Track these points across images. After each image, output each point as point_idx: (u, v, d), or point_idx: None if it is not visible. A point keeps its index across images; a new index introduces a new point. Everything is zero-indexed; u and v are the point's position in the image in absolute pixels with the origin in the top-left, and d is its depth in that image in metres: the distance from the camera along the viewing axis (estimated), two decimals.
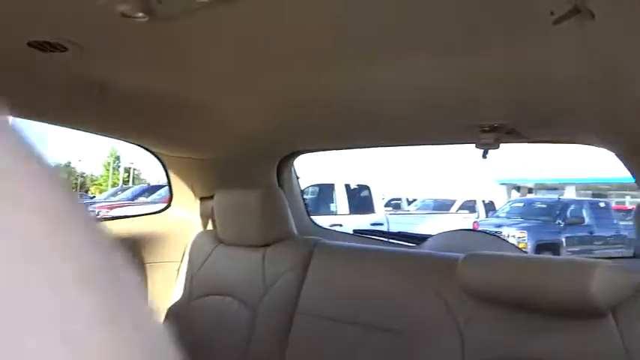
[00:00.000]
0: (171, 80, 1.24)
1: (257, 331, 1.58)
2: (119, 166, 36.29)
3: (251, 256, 1.69)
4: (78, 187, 33.47)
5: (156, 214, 2.05)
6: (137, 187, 14.69)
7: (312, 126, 1.62)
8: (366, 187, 6.99)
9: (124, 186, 23.00)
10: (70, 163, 41.55)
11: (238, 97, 1.37)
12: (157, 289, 1.87)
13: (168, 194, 2.10)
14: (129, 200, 11.19)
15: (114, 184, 31.28)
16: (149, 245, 1.89)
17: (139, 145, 1.87)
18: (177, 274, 1.90)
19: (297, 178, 2.15)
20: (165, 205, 2.08)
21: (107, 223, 1.96)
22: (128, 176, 35.40)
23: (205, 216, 2.00)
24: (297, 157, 2.07)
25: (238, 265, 1.71)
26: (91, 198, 16.98)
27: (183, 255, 1.91)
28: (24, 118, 1.39)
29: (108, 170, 36.32)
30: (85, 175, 38.83)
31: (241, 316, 1.62)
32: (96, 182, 36.67)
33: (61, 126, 1.58)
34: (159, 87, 1.29)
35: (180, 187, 2.01)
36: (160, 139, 1.79)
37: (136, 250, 1.82)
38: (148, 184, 15.50)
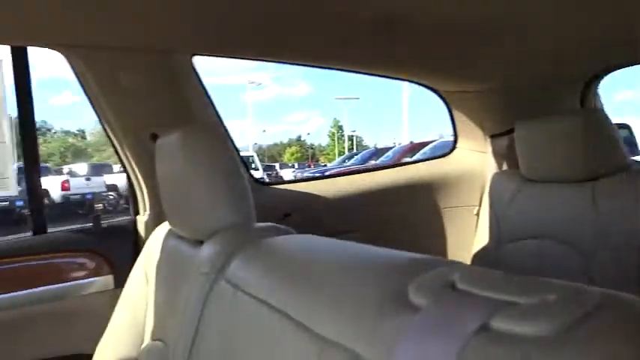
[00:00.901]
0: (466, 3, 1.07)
1: (594, 279, 1.34)
2: (342, 136, 38.37)
3: (574, 193, 1.45)
4: (310, 158, 36.84)
5: (442, 158, 1.96)
6: (366, 152, 15.08)
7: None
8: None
9: (351, 152, 24.43)
10: (300, 137, 45.39)
11: (546, 13, 1.14)
12: (457, 234, 1.81)
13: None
14: (359, 164, 11.37)
15: (340, 153, 33.11)
16: (441, 190, 1.82)
17: (418, 83, 1.76)
18: (478, 218, 1.76)
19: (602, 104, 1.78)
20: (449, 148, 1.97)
21: (394, 170, 1.89)
22: (352, 144, 37.25)
23: (500, 154, 1.81)
24: (605, 76, 1.70)
25: (557, 203, 1.48)
26: (323, 166, 17.95)
27: (481, 198, 1.77)
28: (302, 64, 1.47)
29: (333, 140, 38.75)
30: (314, 146, 42.45)
31: (570, 261, 1.41)
32: (324, 152, 39.49)
33: (338, 69, 1.55)
34: (451, 12, 1.13)
35: (465, 126, 1.87)
36: (444, 73, 1.67)
37: (428, 196, 1.79)
38: (375, 148, 16.06)
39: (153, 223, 1.37)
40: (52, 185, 13.18)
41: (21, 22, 1.05)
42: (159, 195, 1.38)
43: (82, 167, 16.28)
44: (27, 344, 1.29)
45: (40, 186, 1.37)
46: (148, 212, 1.40)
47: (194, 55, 1.34)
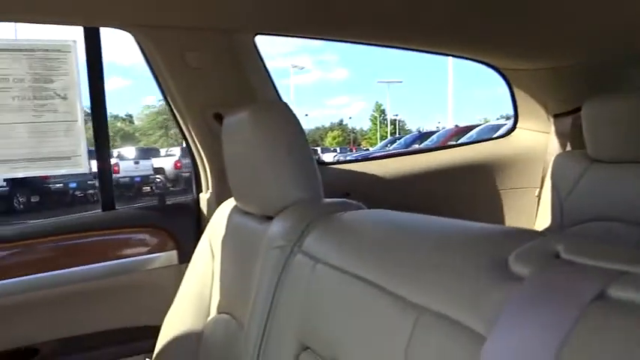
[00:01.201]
0: None
1: None
2: (385, 119, 37.99)
3: None
4: (352, 142, 36.78)
5: (501, 139, 1.92)
6: (409, 136, 14.94)
7: None
8: None
9: (394, 136, 24.14)
10: (342, 121, 45.33)
11: None
12: (517, 217, 1.76)
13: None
14: (402, 148, 11.30)
15: (382, 137, 32.88)
16: (500, 171, 1.77)
17: (477, 60, 1.72)
18: (539, 200, 1.72)
19: None
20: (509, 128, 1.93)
21: (452, 150, 1.85)
22: (394, 128, 36.85)
23: (563, 134, 1.76)
24: None
25: (627, 184, 1.43)
26: (365, 150, 17.88)
27: (543, 179, 1.73)
28: (364, 42, 1.50)
29: (375, 124, 38.46)
30: (356, 130, 42.35)
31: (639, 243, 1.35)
32: (366, 136, 39.31)
33: (398, 47, 1.54)
34: None
35: (527, 105, 1.82)
36: (508, 51, 1.62)
37: (487, 177, 1.74)
38: (419, 132, 16.01)
39: (215, 201, 1.40)
40: None
41: (93, 4, 1.09)
42: (222, 173, 1.41)
43: (130, 151, 16.85)
44: (96, 315, 1.35)
45: (110, 165, 1.43)
46: (210, 190, 1.43)
47: (257, 34, 1.36)
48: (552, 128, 1.77)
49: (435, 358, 0.45)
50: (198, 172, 1.47)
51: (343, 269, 0.61)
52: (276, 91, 1.44)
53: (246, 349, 0.80)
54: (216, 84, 1.33)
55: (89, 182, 12.89)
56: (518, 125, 1.87)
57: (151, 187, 13.49)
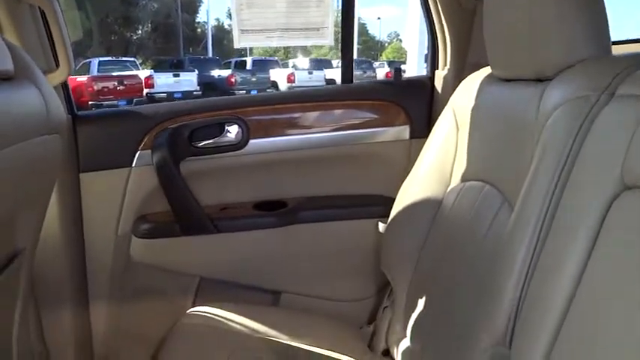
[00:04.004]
0: None
1: None
2: None
3: None
4: None
5: None
6: None
7: None
8: None
9: None
10: None
11: None
12: None
13: None
14: None
15: None
16: None
17: None
18: None
19: None
20: None
21: None
22: None
23: None
24: None
25: None
26: None
27: None
28: None
29: None
30: None
31: None
32: None
33: None
34: None
35: None
36: None
37: None
38: None
39: (452, 77, 1.38)
40: (280, 77, 14.60)
41: None
42: (462, 50, 1.37)
43: (304, 61, 17.50)
44: (332, 179, 1.47)
45: (352, 44, 1.48)
46: (448, 67, 1.41)
47: None
48: None
49: None
50: (437, 49, 1.45)
51: None
52: None
53: (525, 205, 0.79)
54: None
55: (267, 90, 13.90)
56: None
57: None
